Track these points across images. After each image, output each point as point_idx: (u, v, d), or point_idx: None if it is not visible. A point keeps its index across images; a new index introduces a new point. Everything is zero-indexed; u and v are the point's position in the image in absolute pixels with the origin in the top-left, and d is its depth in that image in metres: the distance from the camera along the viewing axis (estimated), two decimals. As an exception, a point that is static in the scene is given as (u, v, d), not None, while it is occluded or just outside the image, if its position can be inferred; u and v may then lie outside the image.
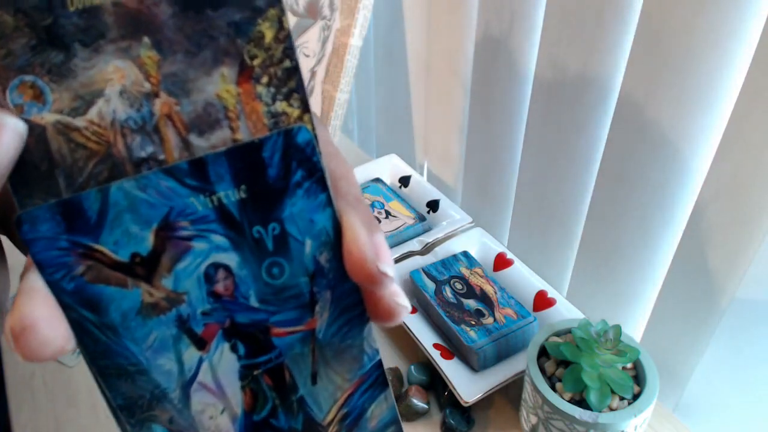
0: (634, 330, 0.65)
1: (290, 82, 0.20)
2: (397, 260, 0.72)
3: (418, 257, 0.72)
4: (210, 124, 0.19)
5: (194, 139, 0.19)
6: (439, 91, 0.87)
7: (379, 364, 0.23)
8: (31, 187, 0.18)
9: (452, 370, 0.58)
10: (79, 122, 0.18)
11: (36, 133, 0.18)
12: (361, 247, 0.20)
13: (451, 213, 0.78)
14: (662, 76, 0.52)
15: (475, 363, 0.59)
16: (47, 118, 0.18)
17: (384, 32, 0.95)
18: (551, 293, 0.65)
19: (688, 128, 0.53)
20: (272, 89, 0.19)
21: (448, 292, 0.65)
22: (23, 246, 0.19)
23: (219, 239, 0.20)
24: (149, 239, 0.19)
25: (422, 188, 0.84)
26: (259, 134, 0.19)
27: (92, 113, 0.19)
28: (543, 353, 0.53)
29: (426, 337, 0.61)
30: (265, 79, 0.19)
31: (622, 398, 0.48)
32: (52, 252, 0.19)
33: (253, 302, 0.21)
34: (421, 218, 0.78)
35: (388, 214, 0.79)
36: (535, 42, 0.66)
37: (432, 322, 0.65)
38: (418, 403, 0.58)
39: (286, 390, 0.22)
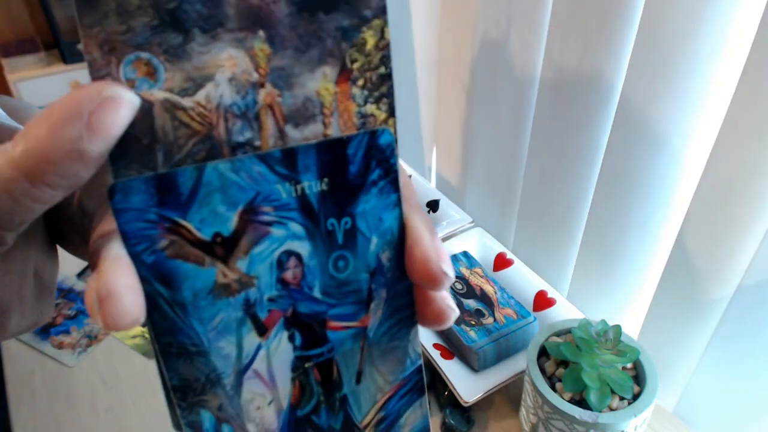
0: (634, 330, 0.65)
1: (383, 87, 0.21)
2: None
3: (418, 257, 0.72)
4: (306, 118, 0.20)
5: (290, 129, 0.20)
6: (446, 92, 0.87)
7: (420, 369, 0.23)
8: (129, 159, 0.19)
9: (452, 370, 0.58)
10: (187, 102, 0.19)
11: (143, 108, 0.19)
12: (425, 247, 0.21)
13: (451, 213, 0.78)
14: (662, 81, 0.52)
15: (475, 363, 0.59)
16: (156, 95, 0.19)
17: (393, 31, 0.95)
18: (551, 293, 0.65)
19: (684, 132, 0.53)
20: (366, 92, 0.21)
21: (448, 292, 0.65)
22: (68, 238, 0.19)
23: (296, 227, 0.21)
24: (233, 220, 0.20)
25: (422, 188, 0.84)
26: (348, 132, 0.20)
27: (200, 95, 0.19)
28: (543, 353, 0.53)
29: (426, 337, 0.61)
30: (360, 82, 0.21)
31: (622, 398, 0.48)
32: (139, 224, 0.19)
33: (317, 293, 0.21)
34: (421, 218, 0.78)
35: (388, 214, 0.79)
36: (541, 44, 0.66)
37: (432, 322, 0.65)
38: (418, 403, 0.58)
39: (332, 386, 0.23)
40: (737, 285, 0.50)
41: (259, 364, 0.21)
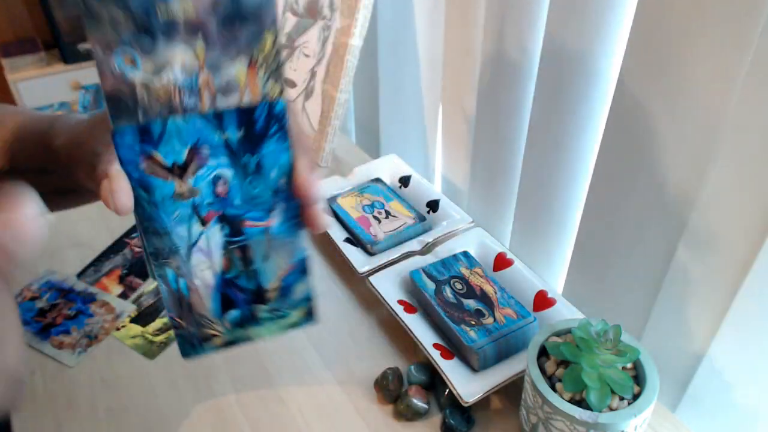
0: (634, 330, 0.65)
1: (277, 72, 0.32)
2: (397, 260, 0.72)
3: (418, 257, 0.72)
4: (229, 92, 0.32)
5: (219, 99, 0.32)
6: (448, 92, 0.87)
7: (305, 258, 0.37)
8: (122, 116, 0.31)
9: (452, 370, 0.58)
10: (156, 82, 0.31)
11: (129, 86, 0.31)
12: (303, 177, 0.34)
13: (451, 213, 0.78)
14: (661, 81, 0.52)
15: (475, 363, 0.59)
16: (137, 77, 0.31)
17: (391, 33, 0.95)
18: (551, 293, 0.65)
19: (684, 130, 0.53)
20: (266, 75, 0.32)
21: (448, 292, 0.65)
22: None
23: (223, 160, 0.33)
24: (184, 154, 0.33)
25: (422, 188, 0.84)
26: (255, 102, 0.33)
27: (164, 78, 0.31)
28: (543, 353, 0.53)
29: (426, 337, 0.61)
30: (263, 69, 0.32)
31: (622, 398, 0.48)
32: (130, 153, 0.32)
33: (237, 202, 0.35)
34: (421, 218, 0.78)
35: (388, 214, 0.79)
36: (539, 43, 0.67)
37: (432, 322, 0.65)
38: (418, 403, 0.58)
39: (248, 262, 0.36)
40: (738, 285, 0.50)
41: (201, 243, 0.35)
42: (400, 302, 0.66)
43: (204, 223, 0.34)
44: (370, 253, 0.74)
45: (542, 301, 0.65)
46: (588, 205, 0.66)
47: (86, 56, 2.06)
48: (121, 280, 0.76)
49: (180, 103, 0.32)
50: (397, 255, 0.72)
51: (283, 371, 0.64)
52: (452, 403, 0.58)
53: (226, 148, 0.33)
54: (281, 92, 0.33)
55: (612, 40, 0.57)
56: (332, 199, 0.82)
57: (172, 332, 0.69)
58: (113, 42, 0.30)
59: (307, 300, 0.38)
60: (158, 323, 0.70)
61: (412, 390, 0.59)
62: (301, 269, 0.37)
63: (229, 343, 0.38)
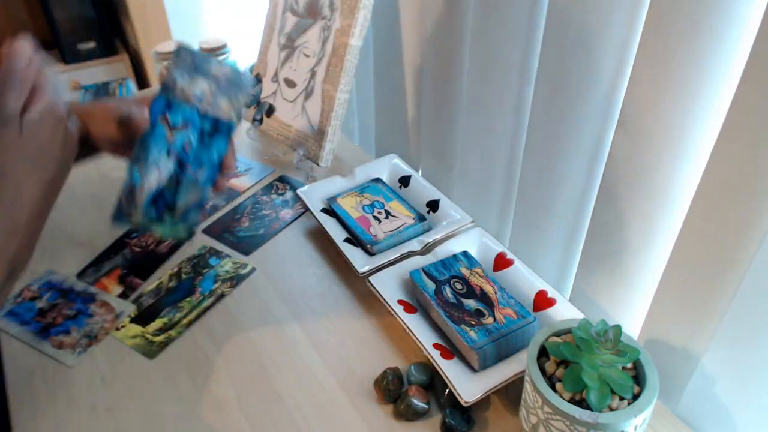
0: (634, 330, 0.65)
1: (239, 111, 0.63)
2: (397, 260, 0.72)
3: (418, 257, 0.72)
4: (216, 108, 0.61)
5: (209, 109, 0.62)
6: (437, 90, 0.87)
7: (205, 201, 0.62)
8: (164, 93, 0.60)
9: (452, 370, 0.58)
10: (186, 89, 0.61)
11: (173, 82, 0.60)
12: (230, 160, 0.62)
13: (451, 213, 0.78)
14: (665, 81, 0.52)
15: (475, 363, 0.59)
16: (179, 82, 0.60)
17: (384, 32, 0.95)
18: (551, 293, 0.65)
19: (686, 131, 0.53)
20: (234, 111, 0.63)
21: (448, 292, 0.65)
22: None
23: (194, 134, 0.60)
24: (179, 122, 0.60)
25: (422, 188, 0.84)
26: (224, 118, 0.61)
27: (190, 87, 0.61)
28: (543, 353, 0.53)
29: (426, 337, 0.61)
30: (233, 107, 0.63)
31: (622, 398, 0.48)
32: (158, 107, 0.60)
33: (190, 157, 0.60)
34: (421, 218, 0.78)
35: (388, 214, 0.79)
36: (538, 41, 0.66)
37: (432, 322, 0.65)
38: (418, 403, 0.58)
39: (177, 188, 0.60)
40: (738, 285, 0.50)
41: (161, 165, 0.59)
42: (400, 302, 0.66)
43: (168, 156, 0.60)
44: (370, 253, 0.74)
45: (542, 301, 0.65)
46: (593, 204, 0.66)
47: (86, 57, 2.06)
48: (121, 280, 0.76)
49: (191, 100, 0.60)
50: (397, 255, 0.72)
51: (283, 371, 0.64)
52: (452, 403, 0.58)
53: (199, 130, 0.60)
54: (238, 120, 0.62)
55: (612, 39, 0.57)
56: (332, 199, 0.82)
57: (171, 332, 0.69)
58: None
59: (194, 225, 0.62)
60: (158, 323, 0.70)
61: (412, 390, 0.59)
62: (200, 206, 0.62)
63: (140, 226, 0.61)
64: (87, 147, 0.62)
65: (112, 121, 0.61)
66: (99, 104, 0.64)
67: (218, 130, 0.60)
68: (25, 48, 0.50)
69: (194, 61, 0.60)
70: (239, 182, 0.94)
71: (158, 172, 0.59)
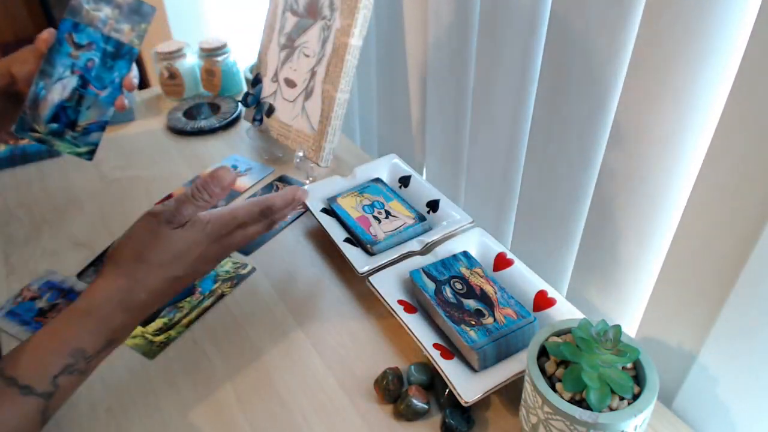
0: (634, 330, 0.65)
1: (141, 38, 0.68)
2: (397, 260, 0.72)
3: (418, 257, 0.72)
4: (119, 32, 0.68)
5: (113, 33, 0.67)
6: (441, 91, 0.87)
7: (107, 122, 0.69)
8: (72, 15, 0.67)
9: (452, 370, 0.58)
10: (91, 11, 0.67)
11: (80, 5, 0.67)
12: (130, 79, 0.69)
13: (451, 213, 0.78)
14: (662, 81, 0.52)
15: (475, 363, 0.59)
16: (86, 5, 0.67)
17: (385, 32, 0.95)
18: (551, 293, 0.65)
19: (684, 131, 0.53)
20: (137, 36, 0.68)
21: (448, 292, 0.65)
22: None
23: (98, 55, 0.67)
24: (84, 42, 0.67)
25: (422, 188, 0.84)
26: (127, 42, 0.68)
27: (95, 10, 0.67)
28: (543, 353, 0.53)
29: (426, 337, 0.61)
30: (135, 33, 0.68)
31: (622, 398, 0.48)
32: (64, 28, 0.66)
33: (93, 75, 0.67)
34: (421, 218, 0.77)
35: (388, 214, 0.79)
36: (540, 41, 0.66)
37: (432, 322, 0.65)
38: (418, 403, 0.58)
39: (78, 104, 0.67)
40: (736, 284, 0.50)
41: (64, 80, 0.67)
42: (400, 302, 0.66)
43: (72, 73, 0.66)
44: (370, 253, 0.74)
45: (542, 301, 0.65)
46: (593, 206, 0.66)
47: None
48: (121, 280, 0.76)
49: (96, 22, 0.66)
50: (397, 255, 0.72)
51: (283, 371, 0.64)
52: (452, 403, 0.58)
53: (103, 51, 0.67)
54: (138, 45, 0.67)
55: (616, 40, 0.57)
56: (332, 199, 0.82)
57: (171, 332, 0.69)
58: None
59: (95, 144, 0.68)
60: (158, 323, 0.70)
61: (412, 390, 0.59)
62: (102, 126, 0.68)
63: (40, 140, 0.67)
64: (15, 95, 0.68)
65: (31, 59, 0.67)
66: (19, 50, 0.70)
67: (120, 53, 0.67)
68: (226, 177, 0.59)
69: None
70: (239, 182, 0.94)
71: (62, 86, 0.66)
